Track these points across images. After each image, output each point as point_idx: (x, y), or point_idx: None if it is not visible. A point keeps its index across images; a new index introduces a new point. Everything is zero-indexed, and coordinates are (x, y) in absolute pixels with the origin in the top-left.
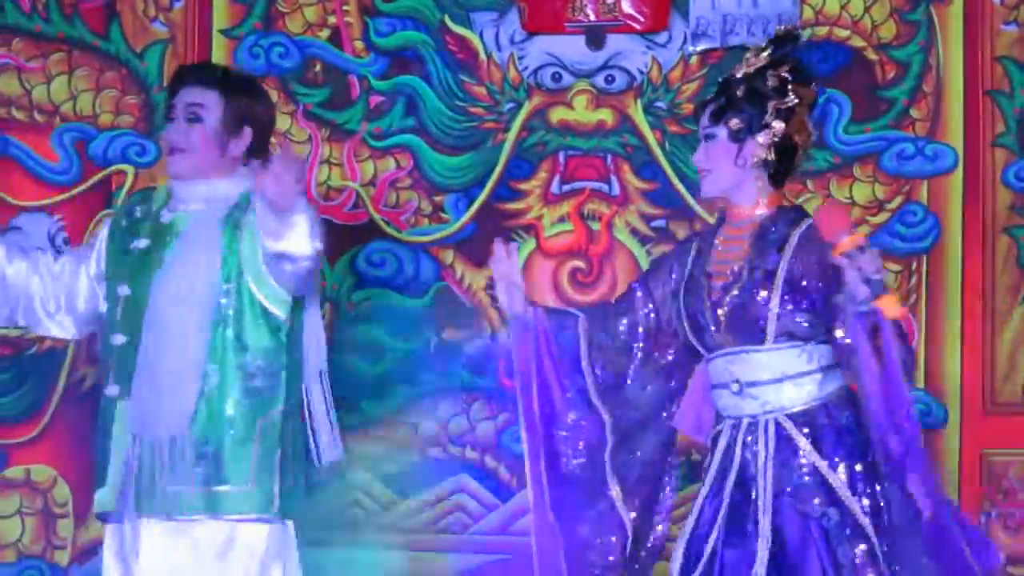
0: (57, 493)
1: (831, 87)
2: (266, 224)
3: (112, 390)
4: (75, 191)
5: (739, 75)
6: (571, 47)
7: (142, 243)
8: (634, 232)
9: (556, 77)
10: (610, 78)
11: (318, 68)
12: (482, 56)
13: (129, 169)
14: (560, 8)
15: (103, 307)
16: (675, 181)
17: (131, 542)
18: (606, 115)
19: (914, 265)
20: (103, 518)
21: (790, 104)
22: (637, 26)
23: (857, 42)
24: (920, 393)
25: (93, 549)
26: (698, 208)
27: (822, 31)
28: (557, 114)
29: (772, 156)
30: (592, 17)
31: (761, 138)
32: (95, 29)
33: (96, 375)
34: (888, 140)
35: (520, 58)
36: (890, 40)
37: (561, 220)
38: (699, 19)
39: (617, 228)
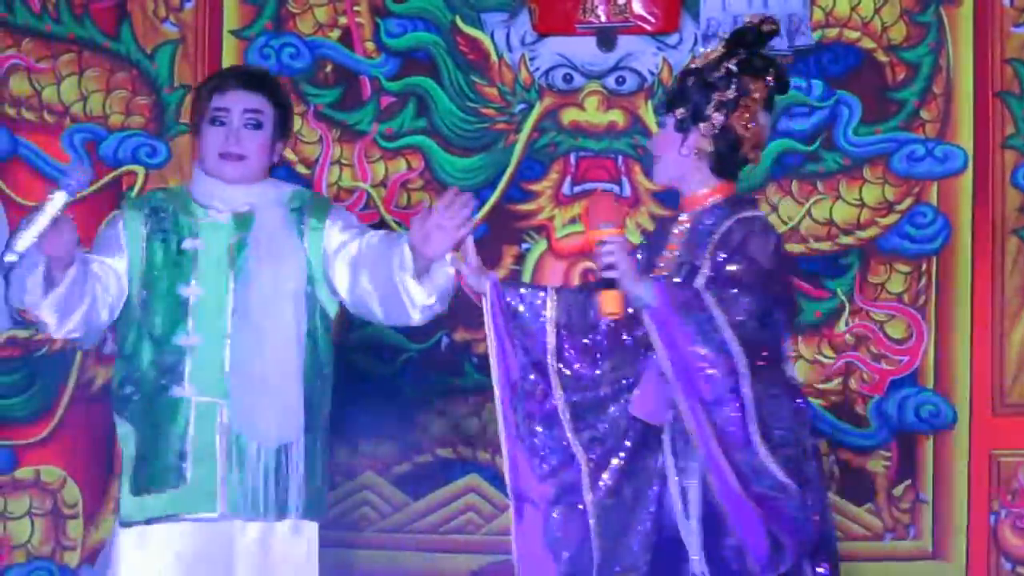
0: (67, 494)
1: (841, 88)
2: (418, 275)
3: (185, 390)
4: (85, 192)
5: (694, 65)
6: (582, 48)
7: (199, 243)
8: (645, 233)
9: (567, 78)
10: (621, 79)
11: (329, 69)
12: (493, 57)
13: (139, 170)
14: (571, 9)
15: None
16: None
17: (200, 543)
18: (617, 116)
19: (924, 266)
20: (157, 519)
21: (731, 97)
22: (648, 27)
23: (867, 44)
24: (929, 394)
25: (103, 550)
26: None
27: (832, 32)
28: (568, 115)
29: (712, 148)
30: (603, 18)
31: (703, 128)
32: (105, 30)
33: (125, 375)
34: (898, 141)
35: (531, 59)
36: (900, 42)
37: (572, 221)
38: (710, 20)
39: (628, 229)
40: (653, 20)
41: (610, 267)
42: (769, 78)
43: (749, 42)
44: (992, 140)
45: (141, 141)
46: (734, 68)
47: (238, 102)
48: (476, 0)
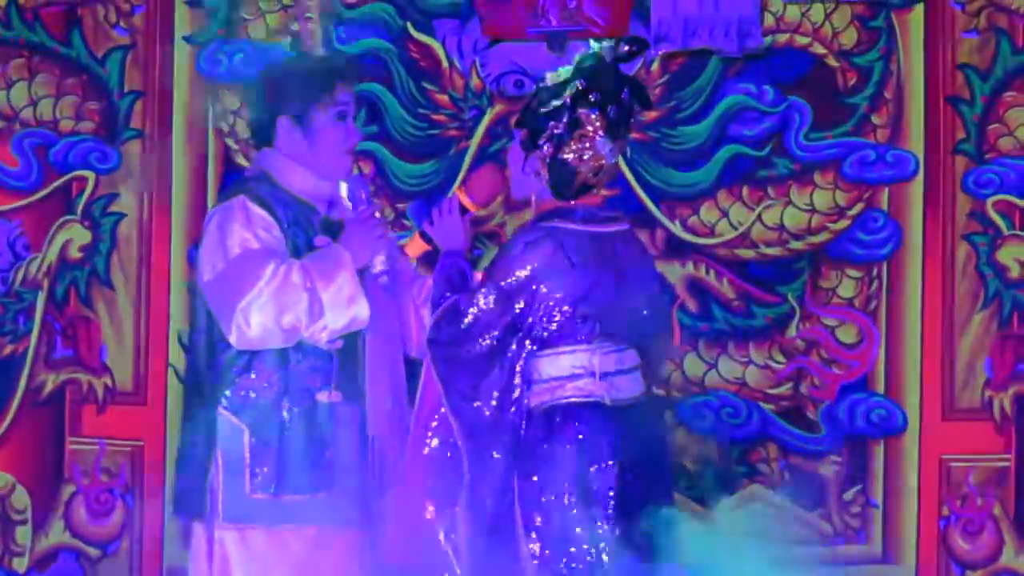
0: (15, 499)
1: (792, 94)
2: None
3: (334, 395)
4: (35, 197)
5: (539, 86)
6: (533, 55)
7: (326, 242)
8: None
9: (519, 84)
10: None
11: None
12: (444, 63)
13: (90, 175)
14: (521, 14)
15: None
16: (636, 188)
17: (325, 548)
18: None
19: (875, 271)
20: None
21: (560, 131)
22: (596, 30)
23: (818, 49)
24: (880, 398)
25: (52, 555)
26: (660, 215)
27: (783, 38)
28: None
29: (547, 174)
30: (553, 22)
31: (538, 154)
32: (56, 35)
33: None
34: (849, 147)
35: (482, 65)
36: (851, 47)
37: None
38: (660, 22)
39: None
40: (602, 23)
41: (430, 219)
42: (611, 107)
43: (591, 71)
44: (943, 145)
45: (91, 146)
46: (568, 101)
47: (351, 93)
48: (428, 6)
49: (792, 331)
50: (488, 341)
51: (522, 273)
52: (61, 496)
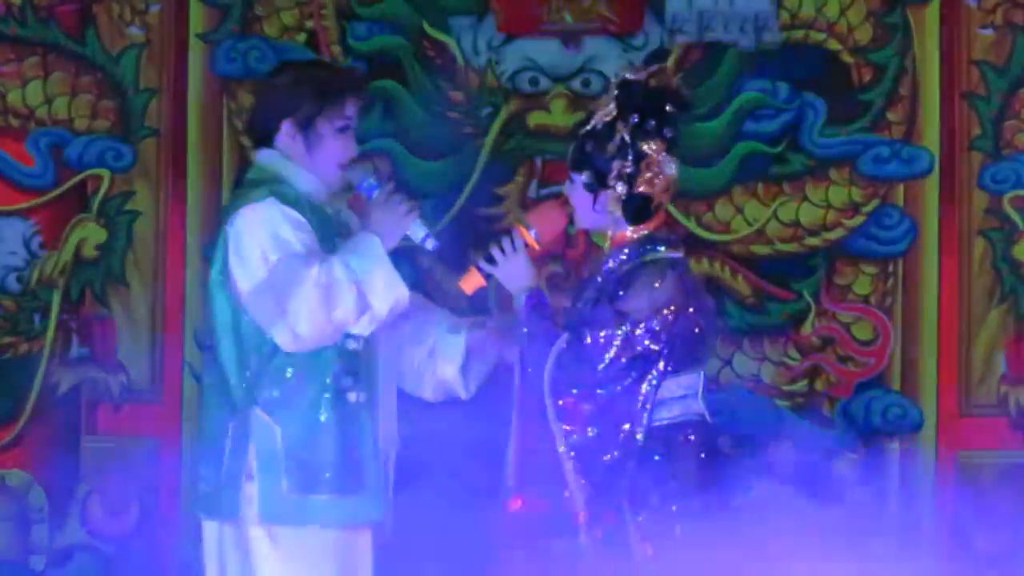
0: (32, 498)
1: (807, 90)
2: None
3: (361, 396)
4: (50, 195)
5: (588, 128)
6: (548, 51)
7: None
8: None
9: (533, 81)
10: (587, 82)
11: None
12: (459, 61)
13: (105, 173)
14: (536, 10)
15: None
16: None
17: (355, 550)
18: (583, 119)
19: (890, 268)
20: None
21: (630, 168)
22: (612, 27)
23: (833, 45)
24: (896, 396)
25: (68, 554)
26: (675, 212)
27: (798, 34)
28: (535, 118)
29: (619, 211)
30: (568, 19)
31: (610, 192)
32: (71, 33)
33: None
34: (864, 143)
35: (497, 63)
36: (866, 43)
37: None
38: (675, 16)
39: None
40: (617, 19)
41: (491, 259)
42: (667, 131)
43: (639, 101)
44: (959, 141)
45: (107, 145)
46: (627, 138)
47: (357, 109)
48: (443, 3)
49: (807, 328)
50: (626, 380)
51: (659, 309)
52: (77, 495)
